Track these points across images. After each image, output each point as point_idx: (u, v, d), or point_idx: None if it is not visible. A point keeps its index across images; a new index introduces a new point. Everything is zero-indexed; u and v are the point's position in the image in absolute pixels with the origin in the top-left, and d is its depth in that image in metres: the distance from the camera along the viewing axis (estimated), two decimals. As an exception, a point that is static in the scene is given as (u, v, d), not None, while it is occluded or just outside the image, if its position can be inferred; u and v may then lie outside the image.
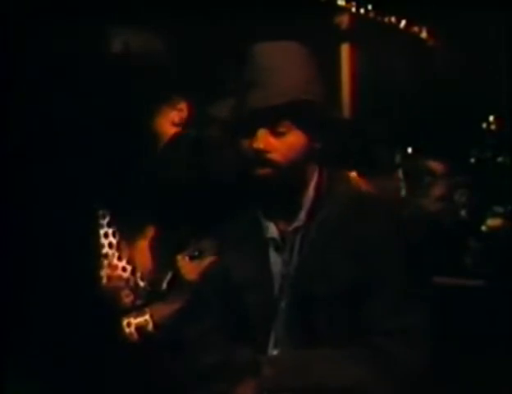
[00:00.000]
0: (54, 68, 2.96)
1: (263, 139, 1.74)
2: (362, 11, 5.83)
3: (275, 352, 1.79)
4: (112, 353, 1.91)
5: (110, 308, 1.95)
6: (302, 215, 1.81)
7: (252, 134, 1.74)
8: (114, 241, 2.00)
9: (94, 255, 1.96)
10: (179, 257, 1.99)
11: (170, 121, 2.04)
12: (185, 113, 2.06)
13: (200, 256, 1.99)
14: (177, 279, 2.00)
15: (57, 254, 1.91)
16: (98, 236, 1.98)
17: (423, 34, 6.18)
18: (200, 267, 1.94)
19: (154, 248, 2.02)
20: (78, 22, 3.34)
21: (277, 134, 1.75)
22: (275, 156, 1.75)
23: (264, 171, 1.75)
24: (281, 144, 1.75)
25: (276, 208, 1.83)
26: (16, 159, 2.42)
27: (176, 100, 2.06)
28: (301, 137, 1.76)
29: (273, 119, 1.74)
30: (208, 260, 1.93)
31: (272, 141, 1.74)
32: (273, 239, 1.83)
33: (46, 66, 2.95)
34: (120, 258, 2.00)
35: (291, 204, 1.82)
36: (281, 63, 1.75)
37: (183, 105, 2.07)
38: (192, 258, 2.00)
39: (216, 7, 4.27)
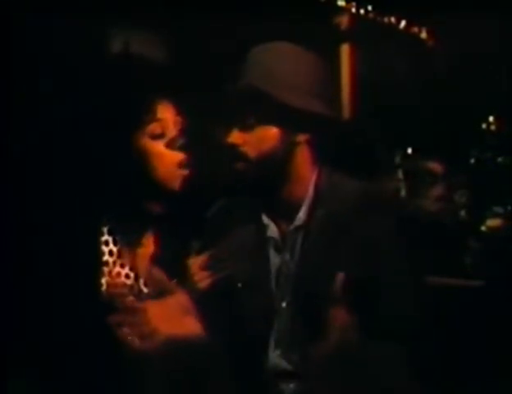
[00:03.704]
0: (54, 68, 2.96)
1: (233, 134, 1.76)
2: (362, 11, 5.83)
3: (277, 352, 1.79)
4: (113, 355, 1.90)
5: (109, 312, 1.94)
6: (301, 214, 1.81)
7: (228, 129, 1.76)
8: (115, 249, 1.99)
9: (94, 262, 1.95)
10: (190, 263, 1.96)
11: (149, 134, 1.94)
12: (169, 121, 1.96)
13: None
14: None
15: (58, 260, 1.91)
16: (98, 244, 1.97)
17: (423, 35, 6.18)
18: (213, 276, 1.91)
19: (155, 253, 2.01)
20: (78, 22, 3.35)
21: (246, 127, 1.75)
22: (246, 149, 1.75)
23: (238, 165, 1.76)
24: (250, 138, 1.75)
25: (274, 207, 1.83)
26: (16, 162, 2.42)
27: (156, 109, 1.89)
28: (272, 129, 1.75)
29: (238, 112, 1.74)
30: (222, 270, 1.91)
31: (242, 135, 1.75)
32: (273, 238, 1.83)
33: (46, 66, 2.96)
34: (122, 266, 1.99)
35: (289, 203, 1.82)
36: (262, 59, 1.76)
37: (166, 113, 1.92)
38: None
39: (215, 8, 4.27)
